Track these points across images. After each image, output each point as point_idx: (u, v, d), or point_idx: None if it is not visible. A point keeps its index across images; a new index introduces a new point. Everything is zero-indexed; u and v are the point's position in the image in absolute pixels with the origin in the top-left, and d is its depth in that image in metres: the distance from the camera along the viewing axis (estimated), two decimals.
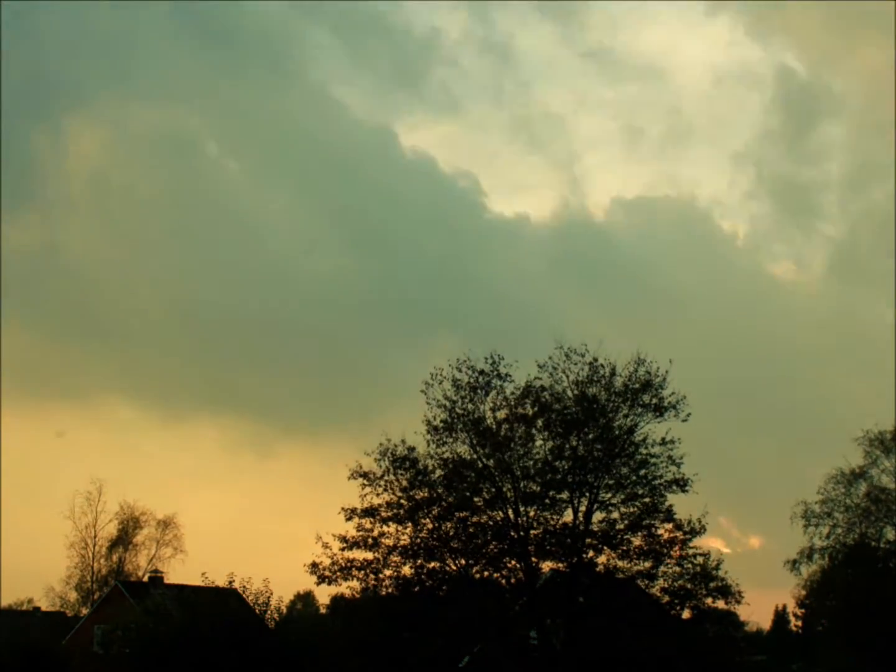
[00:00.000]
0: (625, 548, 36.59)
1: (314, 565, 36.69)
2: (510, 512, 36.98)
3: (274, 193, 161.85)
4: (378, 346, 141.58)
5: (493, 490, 37.08)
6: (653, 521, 36.64)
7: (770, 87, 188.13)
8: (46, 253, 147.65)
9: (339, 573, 36.67)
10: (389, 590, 37.23)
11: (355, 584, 36.96)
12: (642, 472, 36.60)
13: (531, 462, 36.91)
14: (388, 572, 36.93)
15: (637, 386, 36.48)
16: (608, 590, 36.57)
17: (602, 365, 36.74)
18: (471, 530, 37.19)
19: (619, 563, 36.73)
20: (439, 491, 37.14)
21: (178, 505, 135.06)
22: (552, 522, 36.91)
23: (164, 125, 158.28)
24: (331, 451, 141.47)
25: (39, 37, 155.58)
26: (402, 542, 36.98)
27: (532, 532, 36.92)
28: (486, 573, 37.88)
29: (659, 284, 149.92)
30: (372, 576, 36.76)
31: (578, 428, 36.55)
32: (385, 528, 36.92)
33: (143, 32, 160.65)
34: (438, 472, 37.27)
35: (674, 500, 36.84)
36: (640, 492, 36.63)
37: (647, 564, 36.53)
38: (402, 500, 37.02)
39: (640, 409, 36.57)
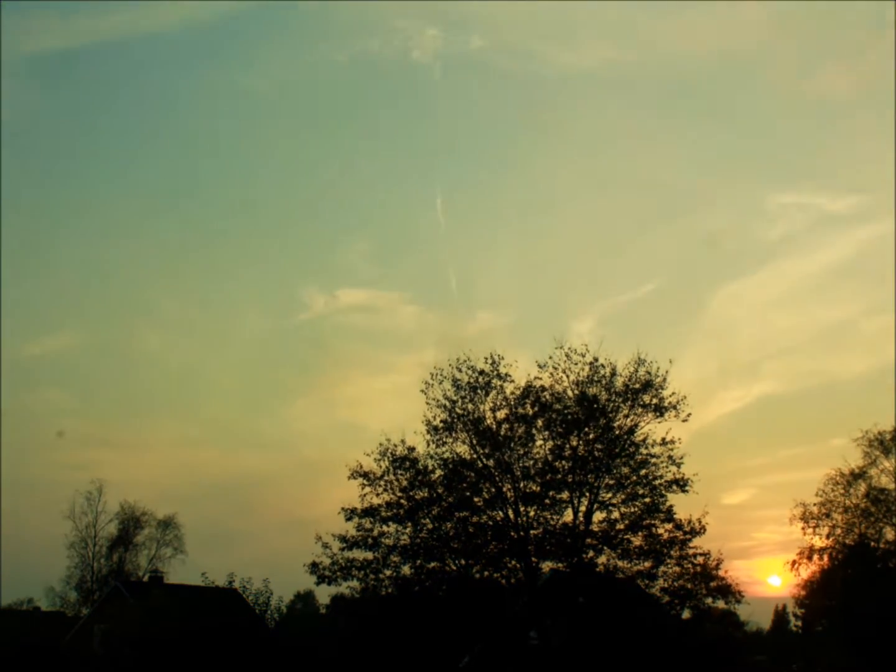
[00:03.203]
0: (625, 548, 36.59)
1: (314, 565, 36.73)
2: (510, 512, 37.01)
3: None
4: None
5: (493, 490, 37.10)
6: (653, 521, 36.66)
7: None
8: None
9: (339, 573, 36.69)
10: (389, 590, 37.25)
11: (355, 584, 37.02)
12: (642, 472, 36.64)
13: (531, 462, 36.95)
14: (387, 572, 36.96)
15: (637, 386, 36.51)
16: (608, 590, 36.57)
17: (602, 365, 36.85)
18: (471, 530, 37.20)
19: (620, 564, 36.76)
20: (439, 491, 37.17)
21: None
22: (552, 522, 36.94)
23: None
24: None
25: None
26: (402, 542, 37.02)
27: (532, 532, 36.93)
28: (486, 573, 37.90)
29: None
30: (372, 576, 36.77)
31: (579, 428, 36.57)
32: (385, 528, 36.98)
33: None
34: (438, 472, 37.33)
35: (674, 499, 36.95)
36: (641, 492, 36.67)
37: (648, 564, 36.57)
38: (401, 500, 37.06)
39: (640, 409, 36.62)
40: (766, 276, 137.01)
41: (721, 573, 36.44)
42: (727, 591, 36.31)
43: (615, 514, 36.82)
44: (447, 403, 37.16)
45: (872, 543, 52.86)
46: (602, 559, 36.94)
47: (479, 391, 37.09)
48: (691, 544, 36.62)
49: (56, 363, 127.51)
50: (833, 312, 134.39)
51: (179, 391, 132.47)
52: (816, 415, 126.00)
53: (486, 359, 37.19)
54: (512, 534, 37.02)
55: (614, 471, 36.83)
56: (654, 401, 36.46)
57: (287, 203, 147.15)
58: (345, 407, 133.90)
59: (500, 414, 37.07)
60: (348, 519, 36.85)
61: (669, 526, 36.60)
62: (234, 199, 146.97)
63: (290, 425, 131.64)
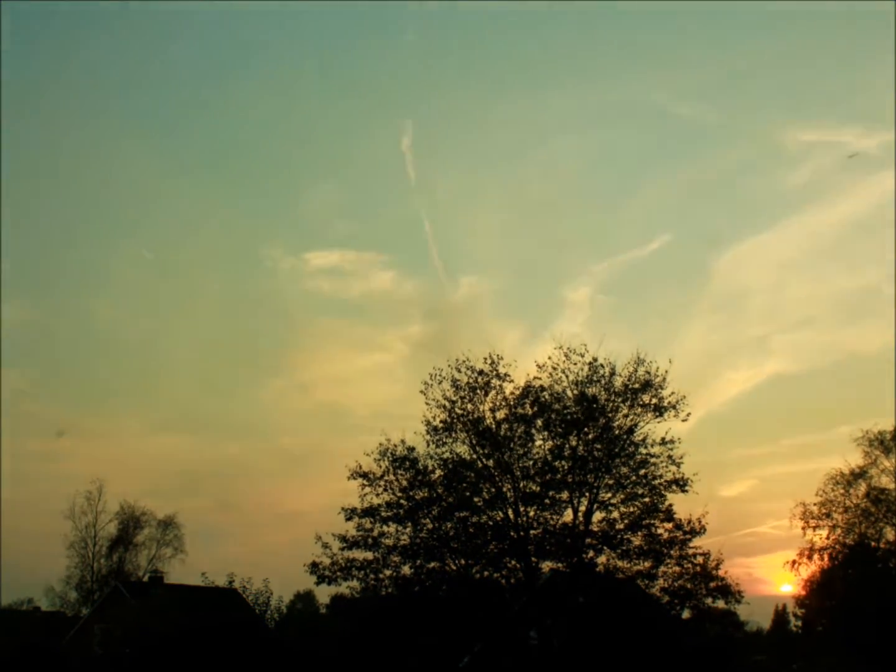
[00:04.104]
0: (625, 548, 36.58)
1: (314, 565, 36.73)
2: (510, 512, 36.99)
3: None
4: None
5: (493, 490, 37.09)
6: (652, 521, 36.65)
7: None
8: None
9: (339, 573, 36.69)
10: (389, 590, 37.24)
11: (355, 584, 37.03)
12: (642, 471, 36.62)
13: (531, 462, 36.93)
14: (387, 572, 36.96)
15: (637, 386, 36.49)
16: (608, 590, 36.57)
17: (602, 365, 36.82)
18: (471, 530, 37.19)
19: (619, 563, 36.74)
20: (439, 491, 37.16)
21: None
22: (552, 522, 36.93)
23: None
24: None
25: None
26: (401, 542, 37.02)
27: (532, 532, 36.91)
28: (486, 573, 37.88)
29: None
30: (372, 576, 36.78)
31: (578, 428, 36.55)
32: (385, 528, 36.96)
33: None
34: (438, 473, 37.31)
35: (673, 499, 36.95)
36: (640, 492, 36.65)
37: (647, 564, 36.54)
38: (401, 501, 37.04)
39: (639, 409, 36.59)
40: (781, 231, 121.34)
41: (721, 573, 36.45)
42: (727, 591, 36.28)
43: (615, 514, 36.83)
44: (446, 404, 37.17)
45: (872, 543, 52.87)
46: (602, 559, 36.96)
47: (478, 391, 37.09)
48: (691, 544, 36.65)
49: (5, 338, 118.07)
50: (854, 277, 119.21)
51: (142, 371, 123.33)
52: (829, 397, 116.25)
53: (485, 359, 37.26)
54: (512, 534, 37.01)
55: (614, 471, 36.81)
56: (654, 401, 36.44)
57: (242, 149, 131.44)
58: (323, 389, 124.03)
59: (500, 414, 37.07)
60: (348, 519, 36.89)
61: (669, 526, 36.60)
62: (185, 149, 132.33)
63: (265, 409, 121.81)
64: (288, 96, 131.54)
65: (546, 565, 37.69)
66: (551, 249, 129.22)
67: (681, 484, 36.48)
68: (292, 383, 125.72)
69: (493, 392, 37.15)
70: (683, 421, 36.73)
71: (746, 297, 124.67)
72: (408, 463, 37.13)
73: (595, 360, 36.81)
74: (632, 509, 36.72)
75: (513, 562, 37.32)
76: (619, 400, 36.63)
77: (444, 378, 37.26)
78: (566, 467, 36.71)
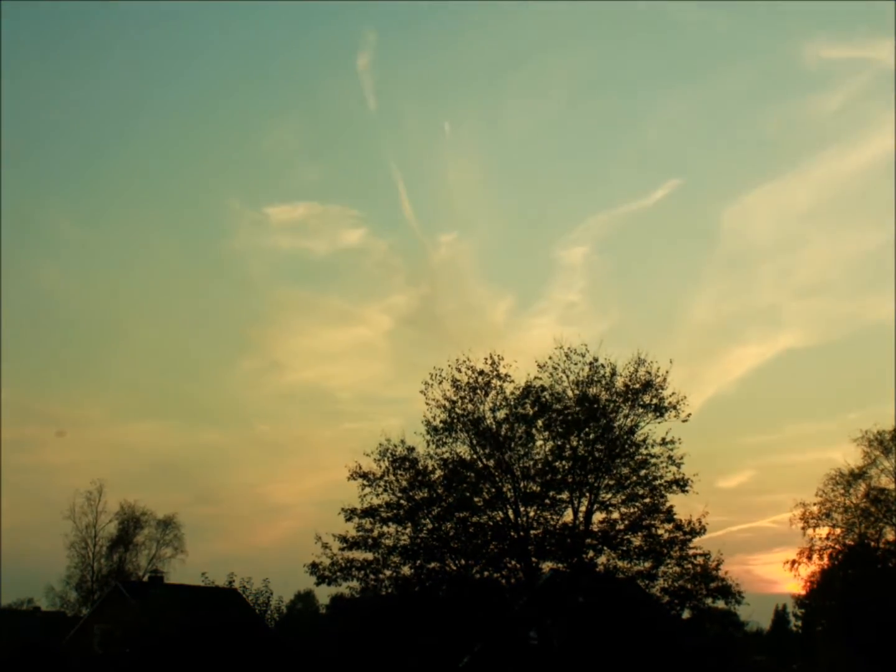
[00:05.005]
0: (625, 548, 36.59)
1: (314, 565, 36.74)
2: (510, 512, 36.99)
3: None
4: None
5: (493, 490, 37.09)
6: (653, 522, 36.65)
7: None
8: None
9: (339, 573, 36.70)
10: (389, 590, 37.24)
11: (355, 584, 37.03)
12: (642, 472, 36.63)
13: (531, 462, 36.94)
14: (387, 572, 36.97)
15: (637, 386, 36.51)
16: (608, 590, 36.56)
17: (602, 365, 36.86)
18: (471, 530, 37.19)
19: (620, 564, 36.76)
20: (439, 491, 37.16)
21: None
22: (552, 522, 36.94)
23: None
24: None
25: None
26: (401, 543, 37.02)
27: (532, 532, 36.92)
28: (486, 573, 37.88)
29: None
30: (372, 576, 36.78)
31: (579, 428, 36.56)
32: (385, 529, 36.97)
33: None
34: (438, 473, 37.32)
35: (674, 498, 36.96)
36: (641, 492, 36.67)
37: (648, 565, 36.56)
38: (401, 501, 37.05)
39: (640, 410, 36.62)
40: (799, 173, 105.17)
41: (721, 573, 36.46)
42: (727, 591, 36.29)
43: (615, 515, 36.87)
44: (447, 404, 37.16)
45: (872, 543, 52.97)
46: (602, 559, 36.97)
47: (478, 391, 37.08)
48: (691, 544, 36.66)
49: None
50: (880, 233, 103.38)
51: (101, 349, 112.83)
52: (842, 375, 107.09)
53: (486, 359, 37.29)
54: (512, 534, 37.01)
55: (614, 471, 36.83)
56: (655, 401, 36.48)
57: (189, 86, 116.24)
58: (299, 369, 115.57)
59: (500, 414, 37.06)
60: (348, 519, 36.91)
61: (669, 526, 36.61)
62: (129, 91, 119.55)
63: (236, 393, 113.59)
64: (237, 21, 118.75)
65: (546, 565, 37.71)
66: (540, 198, 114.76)
67: (681, 484, 36.50)
68: (265, 363, 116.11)
69: (494, 392, 37.17)
70: (684, 421, 36.82)
71: (758, 257, 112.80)
72: (408, 463, 37.14)
73: (596, 360, 36.90)
74: (632, 510, 36.75)
75: (513, 562, 37.32)
76: (620, 400, 36.64)
77: (445, 378, 37.33)
78: (567, 467, 36.71)
